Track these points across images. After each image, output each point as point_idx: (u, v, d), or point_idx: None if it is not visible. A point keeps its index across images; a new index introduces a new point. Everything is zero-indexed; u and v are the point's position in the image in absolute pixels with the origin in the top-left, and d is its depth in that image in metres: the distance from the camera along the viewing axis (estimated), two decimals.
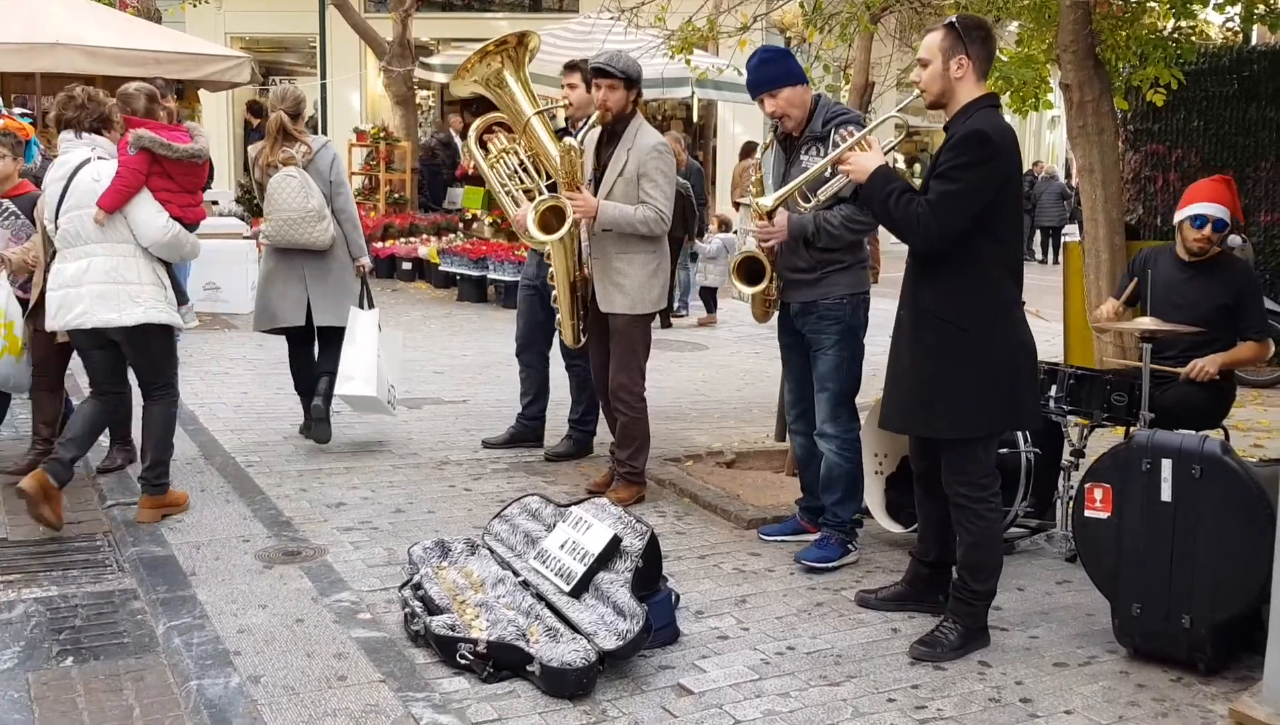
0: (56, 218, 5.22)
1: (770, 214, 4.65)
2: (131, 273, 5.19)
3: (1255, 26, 8.41)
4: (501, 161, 6.17)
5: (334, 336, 6.52)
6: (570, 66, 6.15)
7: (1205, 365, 4.95)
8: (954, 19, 3.98)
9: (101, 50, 10.78)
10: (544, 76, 12.79)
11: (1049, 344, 9.85)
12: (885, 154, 4.19)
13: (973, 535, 4.03)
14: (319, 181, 6.38)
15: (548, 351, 6.70)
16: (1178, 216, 5.27)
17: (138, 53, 11.12)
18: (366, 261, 6.68)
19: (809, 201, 4.51)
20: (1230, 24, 8.33)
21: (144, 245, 5.23)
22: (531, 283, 6.56)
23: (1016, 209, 4.07)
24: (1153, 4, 7.49)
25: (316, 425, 6.51)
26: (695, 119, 18.34)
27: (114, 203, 5.13)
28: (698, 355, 10.28)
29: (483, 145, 6.32)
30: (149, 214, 5.20)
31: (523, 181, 6.12)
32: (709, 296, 12.36)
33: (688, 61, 7.07)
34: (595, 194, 5.49)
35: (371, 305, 6.61)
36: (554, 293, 5.85)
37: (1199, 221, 5.15)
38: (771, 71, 4.75)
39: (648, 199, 5.42)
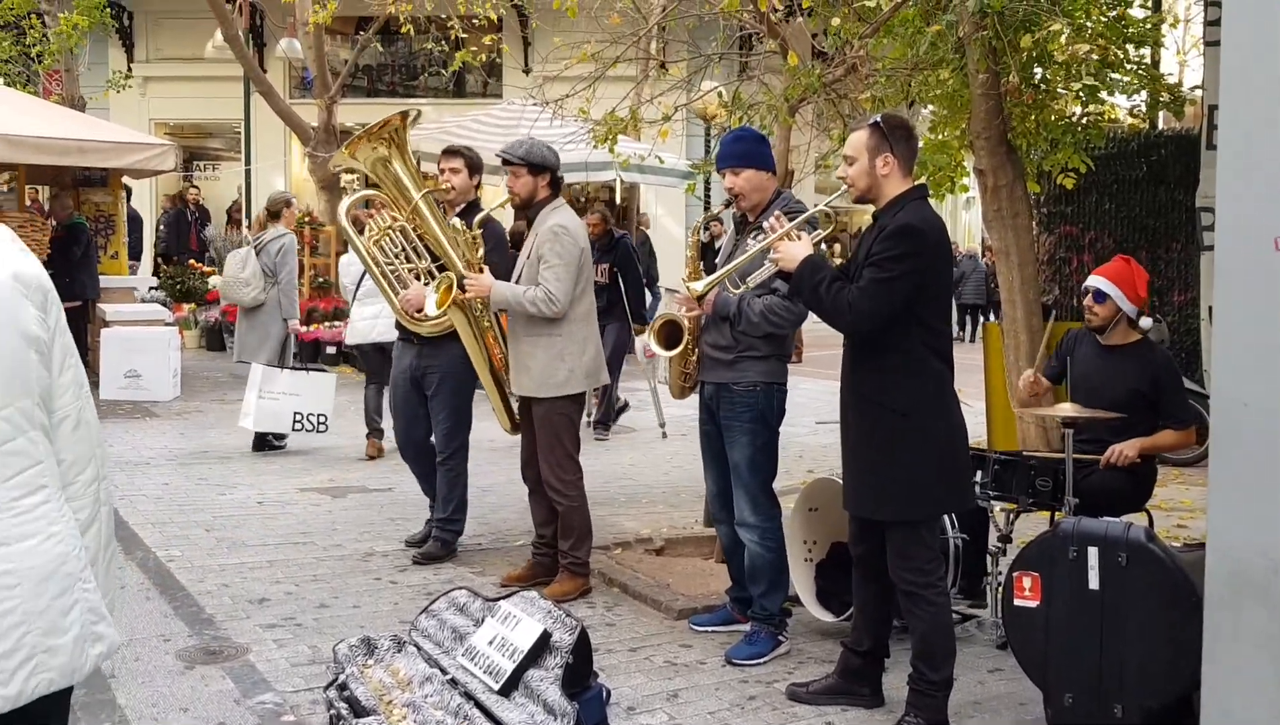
0: None
1: (700, 298, 4.69)
2: None
3: (1161, 112, 8.69)
4: (386, 240, 5.97)
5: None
6: (451, 151, 6.10)
7: (1124, 449, 5.02)
8: (878, 118, 4.08)
9: (24, 139, 10.64)
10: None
11: (973, 423, 9.97)
12: (816, 244, 4.26)
13: (924, 623, 4.03)
14: (265, 261, 8.81)
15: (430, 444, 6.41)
16: None
17: (60, 141, 10.99)
18: (293, 323, 9.05)
19: (737, 288, 4.57)
20: (1137, 110, 8.58)
21: None
22: (407, 373, 6.23)
23: (946, 297, 4.14)
24: (1062, 91, 7.71)
25: None
26: (619, 201, 18.52)
27: None
28: (626, 438, 10.25)
29: (357, 224, 6.26)
30: None
31: (408, 261, 5.96)
32: None
33: (611, 150, 7.12)
34: (523, 281, 5.53)
35: (293, 363, 9.05)
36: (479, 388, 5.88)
37: (1084, 291, 5.37)
38: (742, 150, 4.83)
39: (541, 281, 5.45)
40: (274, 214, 9.24)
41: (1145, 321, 5.69)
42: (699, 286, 4.66)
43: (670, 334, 4.89)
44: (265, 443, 9.15)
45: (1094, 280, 5.32)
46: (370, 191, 6.20)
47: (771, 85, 6.72)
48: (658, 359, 11.50)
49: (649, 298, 11.64)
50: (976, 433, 9.79)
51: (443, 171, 6.03)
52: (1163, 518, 7.03)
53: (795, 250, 4.12)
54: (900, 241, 3.91)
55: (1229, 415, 3.30)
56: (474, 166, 6.06)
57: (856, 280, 3.98)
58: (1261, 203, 3.20)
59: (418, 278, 5.92)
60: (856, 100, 6.45)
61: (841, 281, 4.01)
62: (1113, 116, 8.64)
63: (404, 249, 5.96)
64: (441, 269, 5.84)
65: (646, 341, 5.04)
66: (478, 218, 5.88)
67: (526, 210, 5.65)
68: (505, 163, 5.58)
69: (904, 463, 3.96)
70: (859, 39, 6.08)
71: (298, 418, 8.88)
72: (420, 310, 5.83)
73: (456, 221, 5.57)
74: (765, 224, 4.42)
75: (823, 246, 4.44)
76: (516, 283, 5.55)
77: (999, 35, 5.57)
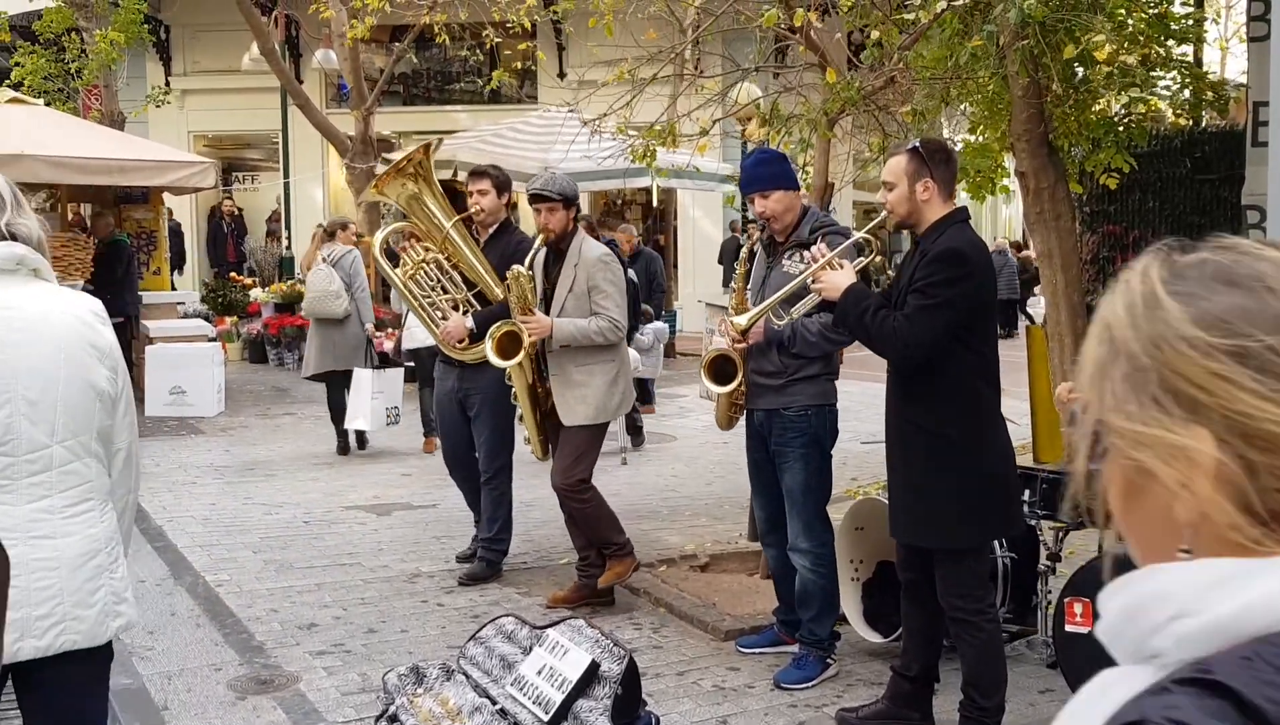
0: None
1: (745, 332, 4.66)
2: None
3: (1205, 110, 8.59)
4: (421, 273, 5.98)
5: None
6: (479, 173, 6.06)
7: None
8: (917, 143, 4.05)
9: (67, 160, 10.78)
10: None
11: (1016, 427, 9.89)
12: (859, 271, 4.23)
13: (974, 649, 4.01)
14: (340, 273, 9.46)
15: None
16: None
17: (102, 161, 11.12)
18: (370, 327, 9.58)
19: (781, 318, 4.55)
20: (1179, 109, 8.48)
21: None
22: (451, 396, 6.26)
23: (991, 321, 4.12)
24: (1103, 91, 7.62)
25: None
26: (655, 203, 18.51)
27: None
28: (667, 448, 10.24)
29: (391, 256, 6.18)
30: None
31: (446, 292, 5.97)
32: (642, 388, 12.30)
33: (650, 165, 7.12)
34: (547, 311, 5.52)
35: (375, 363, 9.46)
36: (519, 411, 5.85)
37: None
38: (767, 172, 4.80)
39: (600, 310, 5.48)
40: (330, 234, 10.14)
41: None
42: (743, 321, 4.63)
43: (721, 368, 4.85)
44: (361, 441, 9.91)
45: None
46: (402, 223, 6.22)
47: (809, 98, 6.67)
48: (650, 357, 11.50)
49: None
50: (1022, 437, 9.74)
51: (471, 194, 6.01)
52: None
53: (838, 279, 4.10)
54: (944, 267, 3.88)
55: None
56: (502, 186, 6.03)
57: (901, 307, 3.96)
58: None
59: (455, 307, 5.95)
60: (896, 113, 6.40)
61: (887, 309, 3.99)
62: (1154, 111, 8.53)
63: (439, 281, 5.98)
64: (479, 297, 5.85)
65: (702, 382, 4.97)
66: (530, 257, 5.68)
67: (558, 242, 5.61)
68: (541, 199, 5.54)
69: (950, 490, 3.94)
70: (898, 49, 6.03)
71: (388, 412, 9.55)
72: (461, 341, 5.84)
73: (518, 266, 5.50)
74: (807, 254, 4.39)
75: (870, 265, 4.41)
76: (557, 315, 5.52)
77: (1041, 45, 5.50)
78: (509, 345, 5.48)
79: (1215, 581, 0.88)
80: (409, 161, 5.80)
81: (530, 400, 5.74)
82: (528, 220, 12.25)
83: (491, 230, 6.02)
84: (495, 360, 5.48)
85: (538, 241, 5.57)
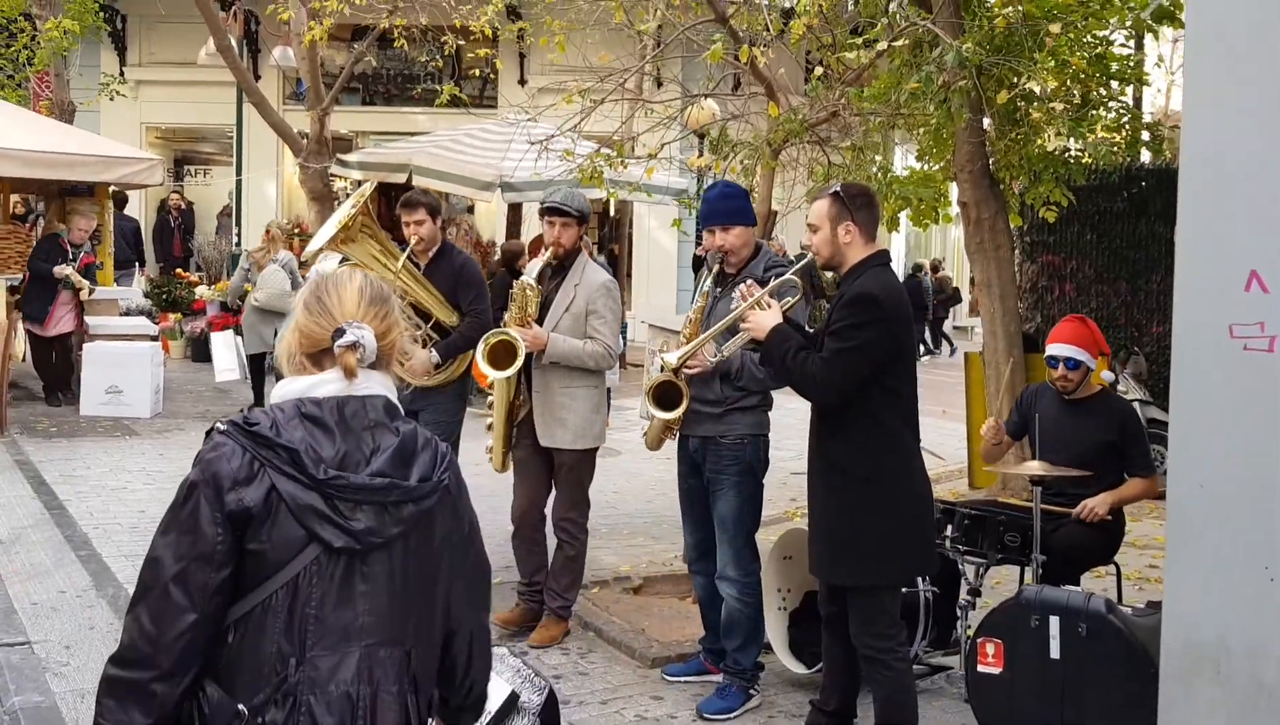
0: None
1: (676, 371, 4.72)
2: None
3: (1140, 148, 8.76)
4: None
5: None
6: (412, 204, 5.98)
7: (1095, 507, 5.03)
8: (838, 187, 4.14)
9: (10, 152, 10.66)
10: (452, 176, 12.88)
11: (956, 449, 10.03)
12: (786, 311, 4.30)
13: (885, 688, 4.08)
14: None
15: None
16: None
17: (48, 155, 11.01)
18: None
19: (715, 356, 4.62)
20: (1116, 147, 8.62)
21: None
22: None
23: (910, 362, 4.18)
24: (1044, 128, 7.77)
25: None
26: (612, 212, 18.56)
27: None
28: (609, 462, 10.25)
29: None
30: None
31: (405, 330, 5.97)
32: None
33: (599, 185, 7.17)
34: (540, 323, 5.49)
35: None
36: (489, 422, 5.80)
37: (1053, 362, 5.34)
38: (731, 207, 4.86)
39: (596, 335, 5.45)
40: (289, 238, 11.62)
41: (1106, 375, 5.73)
42: (673, 358, 4.69)
43: (666, 394, 4.89)
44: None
45: (1063, 349, 5.27)
46: (345, 264, 6.17)
47: (756, 125, 6.77)
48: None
49: None
50: (958, 462, 9.88)
51: (408, 225, 5.95)
52: (1135, 555, 7.10)
53: (764, 319, 4.17)
54: (857, 311, 3.97)
55: (1185, 496, 3.36)
56: (435, 211, 6.01)
57: (820, 349, 4.04)
58: (1218, 289, 3.26)
59: (415, 342, 5.95)
60: (838, 146, 6.50)
61: (808, 351, 4.06)
62: (1094, 147, 8.66)
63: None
64: (437, 329, 5.87)
65: (644, 405, 4.99)
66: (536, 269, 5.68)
67: (563, 259, 5.57)
68: (559, 214, 5.48)
69: (864, 529, 4.01)
70: (838, 84, 6.13)
71: None
72: (427, 373, 5.81)
73: (526, 277, 5.51)
74: (737, 292, 4.45)
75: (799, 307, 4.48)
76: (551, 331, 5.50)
77: (978, 88, 5.63)
78: (502, 354, 5.43)
79: (291, 383, 2.28)
80: (351, 226, 5.73)
81: (505, 412, 5.69)
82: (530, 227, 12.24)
83: (431, 254, 6.03)
84: (487, 369, 5.44)
85: (547, 255, 5.53)
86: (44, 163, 11.02)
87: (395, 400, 2.36)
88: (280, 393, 2.29)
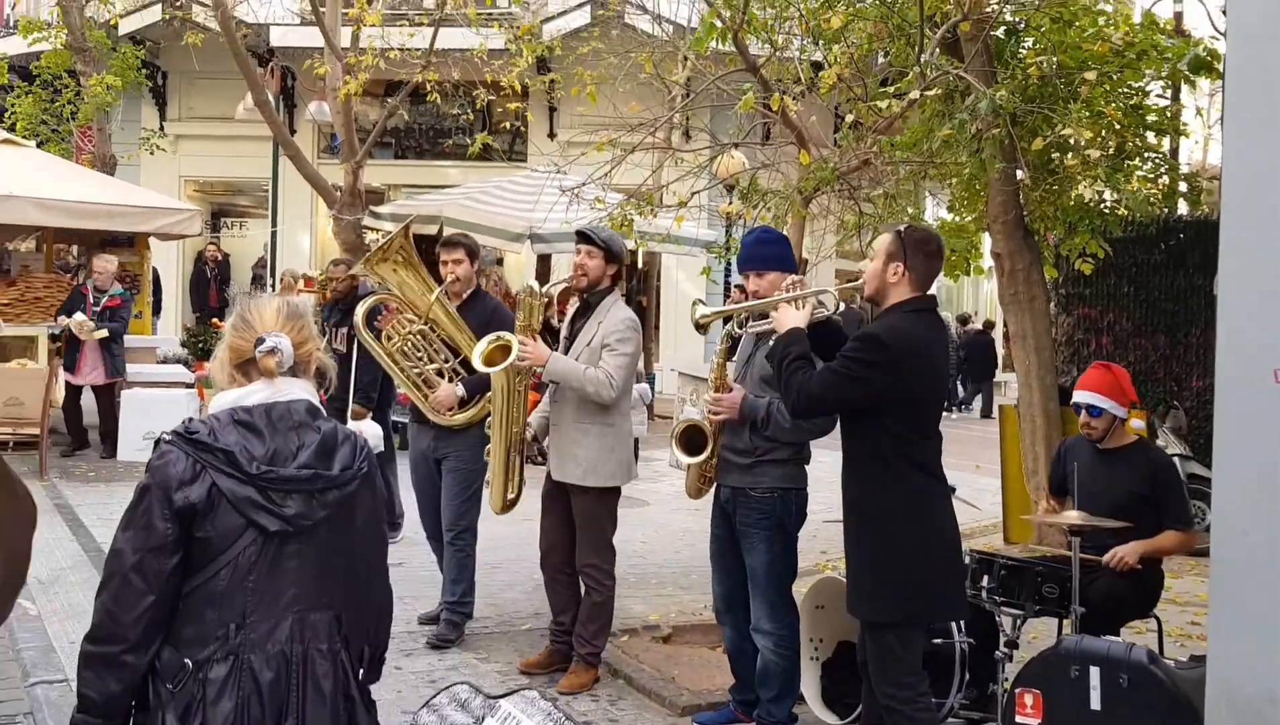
0: None
1: (700, 327, 4.72)
2: None
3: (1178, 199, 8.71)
4: (408, 344, 6.01)
5: None
6: (452, 243, 6.11)
7: (1125, 555, 4.92)
8: (903, 228, 4.11)
9: (55, 203, 10.83)
10: (482, 227, 12.94)
11: (991, 504, 9.90)
12: (813, 321, 4.28)
13: None
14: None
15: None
16: None
17: (90, 206, 11.18)
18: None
19: (742, 327, 4.61)
20: (1153, 198, 8.57)
21: None
22: (426, 456, 6.27)
23: (919, 408, 4.05)
24: (1079, 177, 7.73)
25: None
26: (640, 265, 18.61)
27: None
28: (637, 513, 10.21)
29: (374, 329, 6.14)
30: None
31: (432, 362, 6.01)
32: None
33: (629, 234, 7.19)
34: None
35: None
36: (487, 448, 5.75)
37: (1077, 408, 5.33)
38: (766, 253, 4.85)
39: (603, 363, 5.39)
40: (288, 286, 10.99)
41: (1136, 423, 5.66)
42: (702, 311, 4.72)
43: (692, 439, 4.86)
44: None
45: (1084, 397, 5.26)
46: (381, 295, 6.24)
47: (787, 174, 6.78)
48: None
49: None
50: (993, 516, 9.75)
51: (446, 263, 6.06)
52: (1176, 613, 6.96)
53: (789, 317, 4.19)
54: (863, 348, 3.97)
55: (1229, 543, 3.30)
56: (474, 254, 6.16)
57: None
58: (1261, 334, 3.21)
59: (441, 375, 6.00)
60: (870, 194, 6.50)
61: (805, 364, 4.06)
62: (1130, 198, 8.62)
63: (425, 350, 6.04)
64: (464, 364, 5.89)
65: (672, 450, 4.98)
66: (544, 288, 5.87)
67: (588, 292, 5.60)
68: (585, 240, 5.54)
69: (870, 566, 4.02)
70: (870, 132, 6.13)
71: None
72: (451, 409, 5.88)
73: (533, 284, 5.58)
74: (785, 282, 4.38)
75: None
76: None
77: (1011, 136, 5.62)
78: (498, 357, 5.45)
79: (225, 395, 2.60)
80: (390, 247, 5.85)
81: (503, 443, 5.65)
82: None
83: (464, 296, 6.07)
84: (479, 366, 5.46)
85: (568, 279, 5.58)
86: (86, 213, 11.20)
87: (317, 403, 2.72)
88: (216, 403, 2.66)
